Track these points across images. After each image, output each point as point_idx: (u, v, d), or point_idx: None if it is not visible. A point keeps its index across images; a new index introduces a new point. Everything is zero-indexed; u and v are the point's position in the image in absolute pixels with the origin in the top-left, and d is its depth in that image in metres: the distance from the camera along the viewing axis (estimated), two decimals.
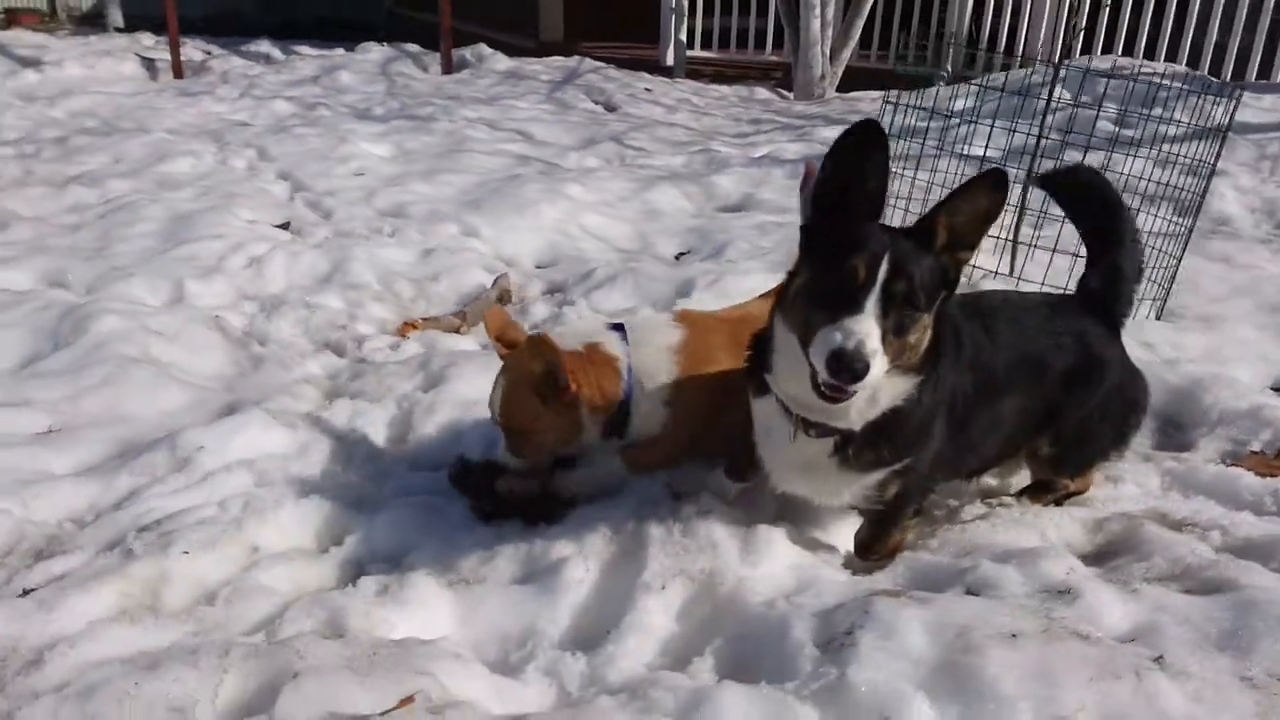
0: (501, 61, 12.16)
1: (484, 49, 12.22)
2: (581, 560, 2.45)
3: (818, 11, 10.83)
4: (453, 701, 1.87)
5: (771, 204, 6.47)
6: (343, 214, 5.99)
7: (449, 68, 11.81)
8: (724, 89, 11.89)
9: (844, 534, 2.65)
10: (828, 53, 11.28)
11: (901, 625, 1.98)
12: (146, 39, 13.68)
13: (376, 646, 2.06)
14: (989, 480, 2.96)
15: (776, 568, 2.39)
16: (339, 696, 1.80)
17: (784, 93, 11.85)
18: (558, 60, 12.23)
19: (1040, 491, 2.83)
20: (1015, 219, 4.72)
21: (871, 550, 2.55)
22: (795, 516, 2.71)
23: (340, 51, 12.10)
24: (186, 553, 2.44)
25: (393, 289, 4.84)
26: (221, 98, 9.77)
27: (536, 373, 2.64)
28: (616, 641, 2.22)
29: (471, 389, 3.57)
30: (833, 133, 6.40)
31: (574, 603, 2.37)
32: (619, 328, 2.86)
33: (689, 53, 13.16)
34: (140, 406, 3.45)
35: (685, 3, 12.84)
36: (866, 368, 1.91)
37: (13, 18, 18.01)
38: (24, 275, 4.73)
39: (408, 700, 1.76)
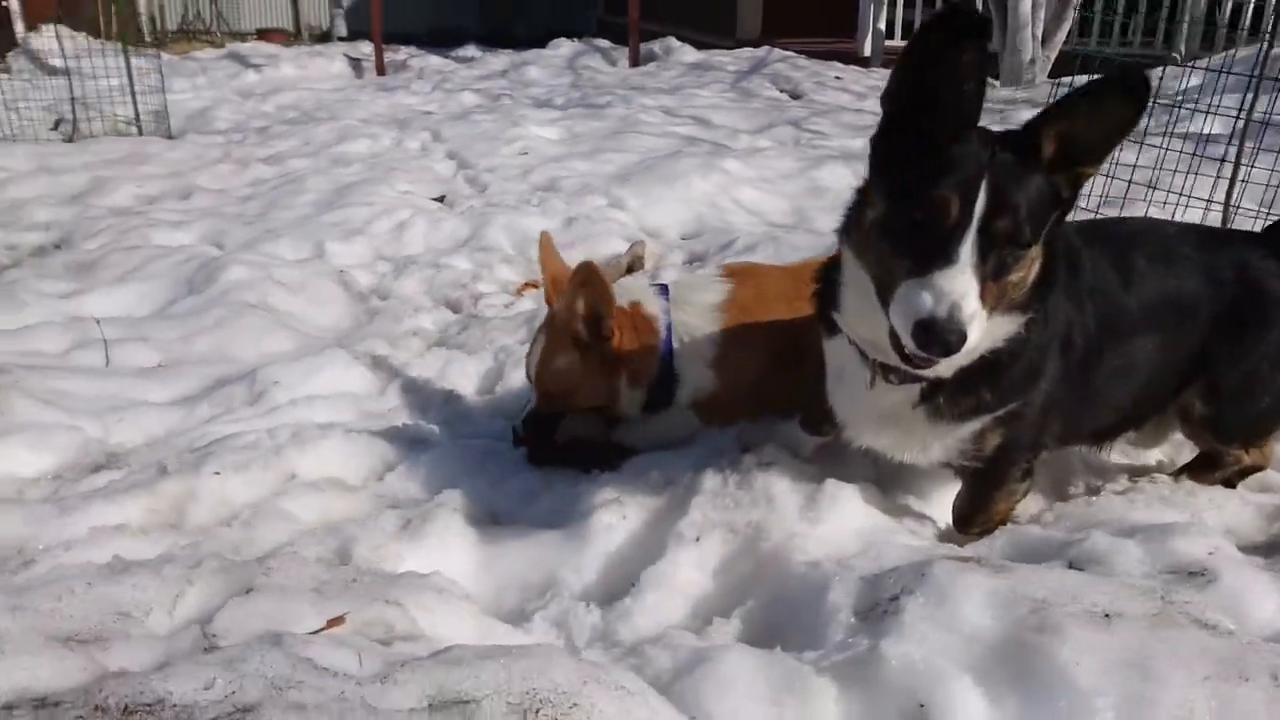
0: (689, 54, 12.02)
1: (673, 42, 12.13)
2: (619, 507, 2.16)
3: None
4: (411, 634, 1.64)
5: None
6: (497, 188, 5.98)
7: (635, 60, 11.79)
8: None
9: (945, 503, 2.23)
10: (1038, 35, 10.39)
11: (960, 593, 1.57)
12: (364, 46, 14.56)
13: (361, 574, 1.86)
14: (1143, 456, 2.43)
15: (840, 529, 2.01)
16: (284, 615, 1.61)
17: (990, 80, 11.03)
18: (747, 51, 11.96)
19: (1205, 468, 2.28)
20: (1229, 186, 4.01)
21: (972, 522, 2.11)
22: (889, 480, 2.31)
23: (535, 50, 12.36)
24: (218, 474, 2.35)
25: (526, 254, 4.72)
26: (415, 91, 10.17)
27: (582, 305, 2.39)
28: (636, 596, 1.92)
29: None
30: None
31: (604, 552, 2.09)
32: (664, 289, 2.57)
33: (888, 43, 12.53)
34: (245, 348, 3.46)
35: None
36: (963, 338, 1.52)
37: (263, 36, 19.73)
38: (189, 236, 4.96)
39: (336, 621, 1.55)
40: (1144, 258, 2.12)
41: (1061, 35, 10.49)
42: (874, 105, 9.91)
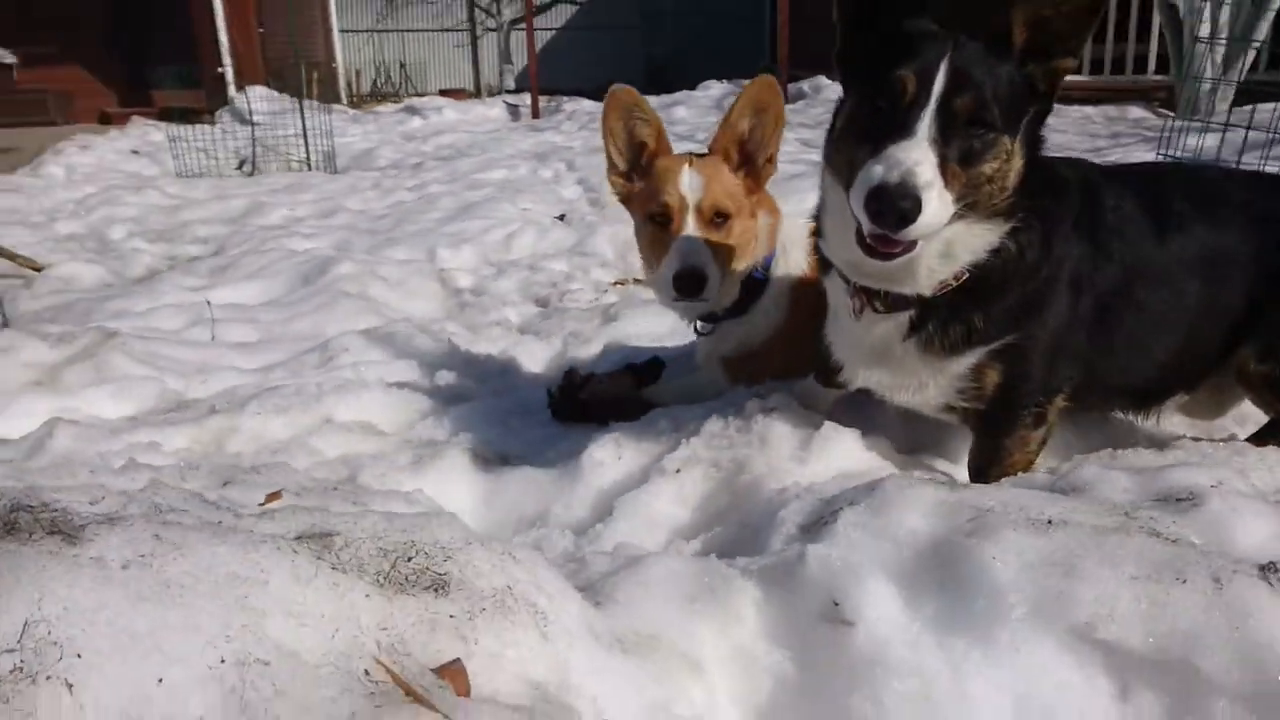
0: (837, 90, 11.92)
1: (822, 80, 12.09)
2: (615, 448, 2.15)
3: (1206, 15, 9.40)
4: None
5: None
6: (617, 207, 6.11)
7: (786, 98, 11.82)
8: (1088, 109, 10.69)
9: (963, 457, 2.09)
10: (1219, 62, 9.72)
11: (904, 503, 1.47)
12: (528, 96, 15.28)
13: (341, 483, 1.93)
14: (1211, 429, 2.21)
15: (828, 468, 1.92)
16: (242, 498, 1.69)
17: (1164, 112, 10.39)
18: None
19: (1274, 434, 2.04)
20: None
21: (988, 474, 1.97)
22: (908, 436, 2.20)
23: (686, 92, 12.59)
24: (258, 414, 2.49)
25: (626, 259, 4.80)
26: (562, 131, 10.57)
27: (748, 125, 2.35)
28: (608, 523, 1.90)
29: (634, 327, 3.44)
30: (1205, 141, 5.47)
31: (596, 488, 2.08)
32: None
33: None
34: (335, 329, 3.67)
35: None
36: (917, 205, 1.47)
37: (445, 95, 21.07)
38: (321, 244, 5.33)
39: (274, 495, 1.60)
40: (1183, 198, 1.95)
41: (1244, 64, 9.79)
42: None
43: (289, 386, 2.71)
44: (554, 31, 22.28)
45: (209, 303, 3.80)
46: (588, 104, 11.97)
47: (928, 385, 1.90)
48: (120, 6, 15.67)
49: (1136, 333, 1.91)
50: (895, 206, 1.46)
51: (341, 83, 21.21)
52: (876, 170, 1.49)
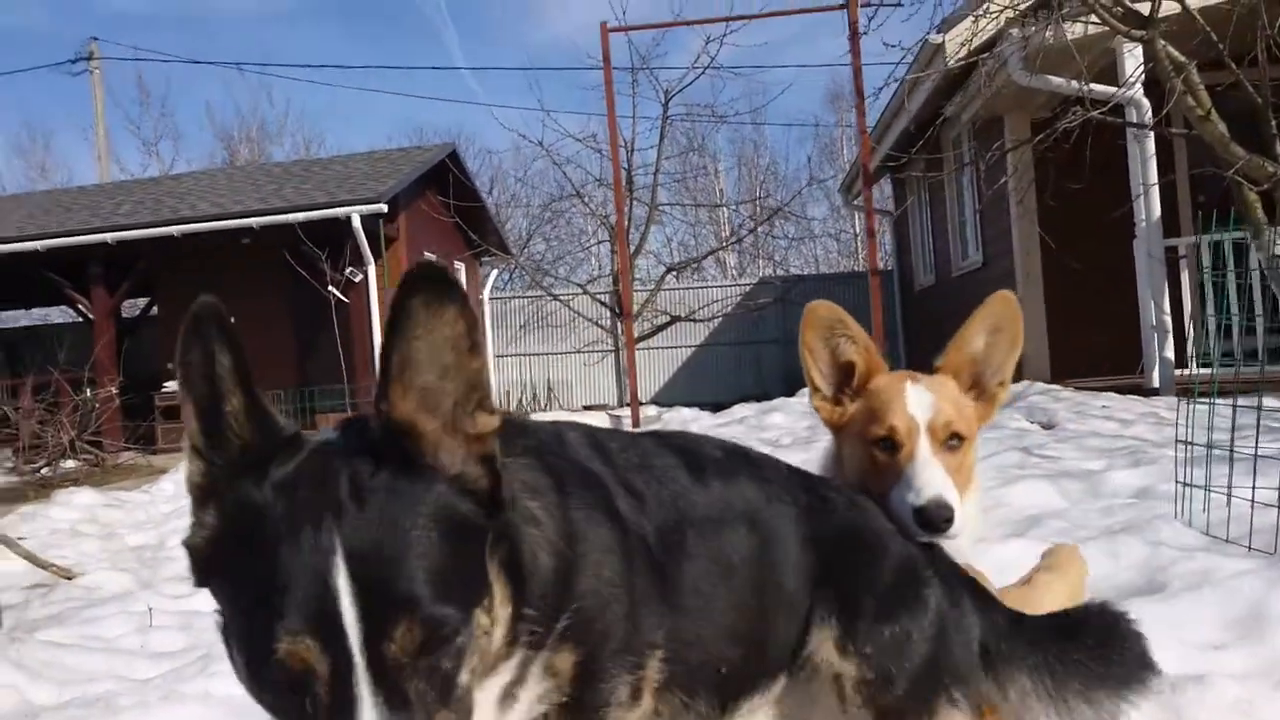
0: None
1: None
2: None
3: None
4: None
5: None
6: None
7: None
8: (1219, 400, 9.92)
9: None
10: None
11: None
12: (647, 409, 15.70)
13: None
14: None
15: None
16: None
17: None
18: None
19: None
20: None
21: None
22: None
23: (780, 399, 12.57)
24: None
25: None
26: None
27: (1006, 316, 2.18)
28: None
29: None
30: None
31: None
32: None
33: (1182, 372, 11.42)
34: None
35: (1168, 320, 11.39)
36: None
37: (589, 409, 21.97)
38: None
39: None
40: None
41: None
42: (1142, 431, 8.86)
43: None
44: (693, 349, 23.27)
45: (150, 609, 3.76)
46: (685, 413, 12.16)
47: None
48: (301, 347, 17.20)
49: None
50: None
51: (494, 400, 22.62)
52: None
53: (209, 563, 1.19)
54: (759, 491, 1.77)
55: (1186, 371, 11.47)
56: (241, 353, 1.16)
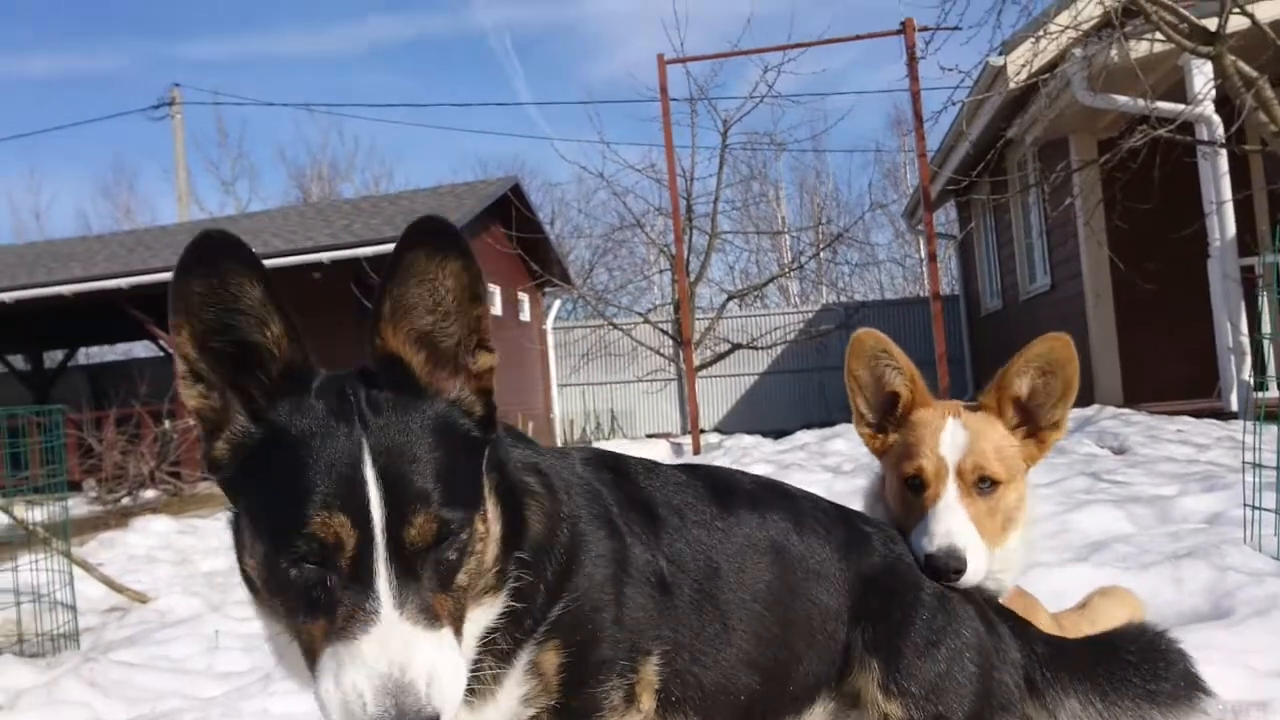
0: None
1: None
2: None
3: None
4: None
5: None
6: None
7: None
8: None
9: None
10: None
11: None
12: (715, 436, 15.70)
13: None
14: None
15: None
16: None
17: None
18: (1074, 411, 11.08)
19: None
20: None
21: None
22: None
23: (842, 425, 12.45)
24: None
25: None
26: (715, 463, 10.59)
27: (1061, 358, 2.06)
28: None
29: None
30: None
31: None
32: None
33: (1263, 395, 11.02)
34: None
35: (1245, 341, 11.02)
36: None
37: (652, 436, 21.99)
38: None
39: None
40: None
41: None
42: (1219, 455, 8.59)
43: None
44: (756, 376, 23.16)
45: (217, 631, 3.87)
46: (746, 440, 12.09)
47: None
48: None
49: None
50: None
51: (557, 429, 22.79)
52: None
53: (238, 464, 1.31)
54: (791, 524, 1.78)
55: (1268, 394, 11.10)
56: (271, 281, 1.28)
